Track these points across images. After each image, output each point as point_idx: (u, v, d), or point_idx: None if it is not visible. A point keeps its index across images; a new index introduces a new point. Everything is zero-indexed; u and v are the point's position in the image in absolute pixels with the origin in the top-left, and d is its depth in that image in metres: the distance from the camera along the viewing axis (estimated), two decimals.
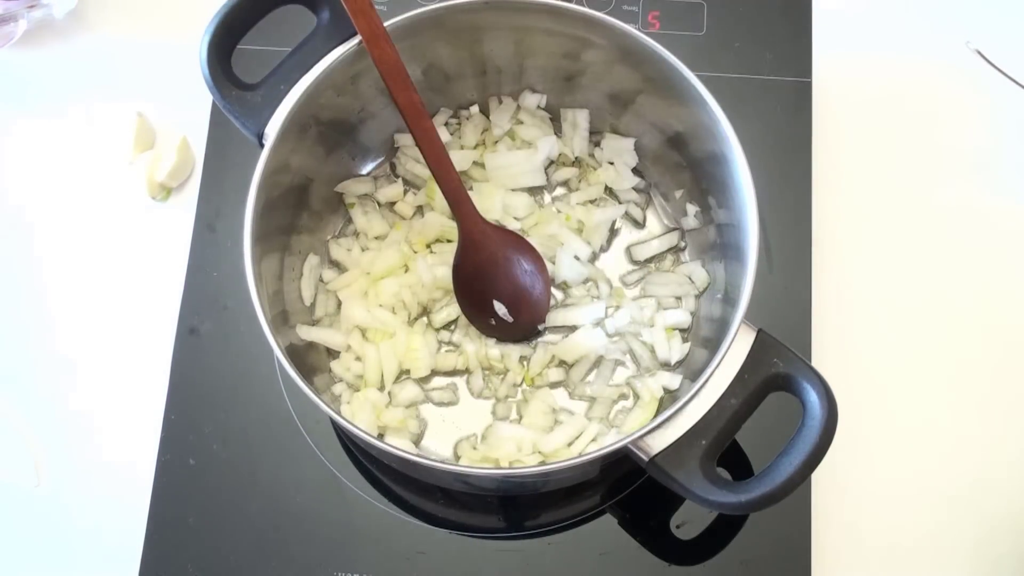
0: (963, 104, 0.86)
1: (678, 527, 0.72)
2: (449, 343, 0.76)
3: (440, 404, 0.74)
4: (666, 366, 0.74)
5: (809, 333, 0.76)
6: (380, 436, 0.72)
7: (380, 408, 0.73)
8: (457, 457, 0.73)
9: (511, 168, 0.78)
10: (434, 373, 0.75)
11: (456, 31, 0.72)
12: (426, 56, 0.74)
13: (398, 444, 0.70)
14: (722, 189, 0.70)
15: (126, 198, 0.83)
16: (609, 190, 0.80)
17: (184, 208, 0.81)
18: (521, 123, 0.80)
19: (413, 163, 0.79)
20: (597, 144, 0.80)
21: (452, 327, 0.76)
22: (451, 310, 0.76)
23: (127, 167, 0.84)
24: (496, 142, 0.80)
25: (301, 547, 0.72)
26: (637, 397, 0.74)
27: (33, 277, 0.81)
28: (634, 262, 0.78)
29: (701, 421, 0.61)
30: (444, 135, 0.76)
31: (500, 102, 0.80)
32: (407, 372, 0.74)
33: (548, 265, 0.76)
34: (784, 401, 0.63)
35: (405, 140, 0.79)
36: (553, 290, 0.76)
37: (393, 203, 0.79)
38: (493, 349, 0.75)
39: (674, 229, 0.79)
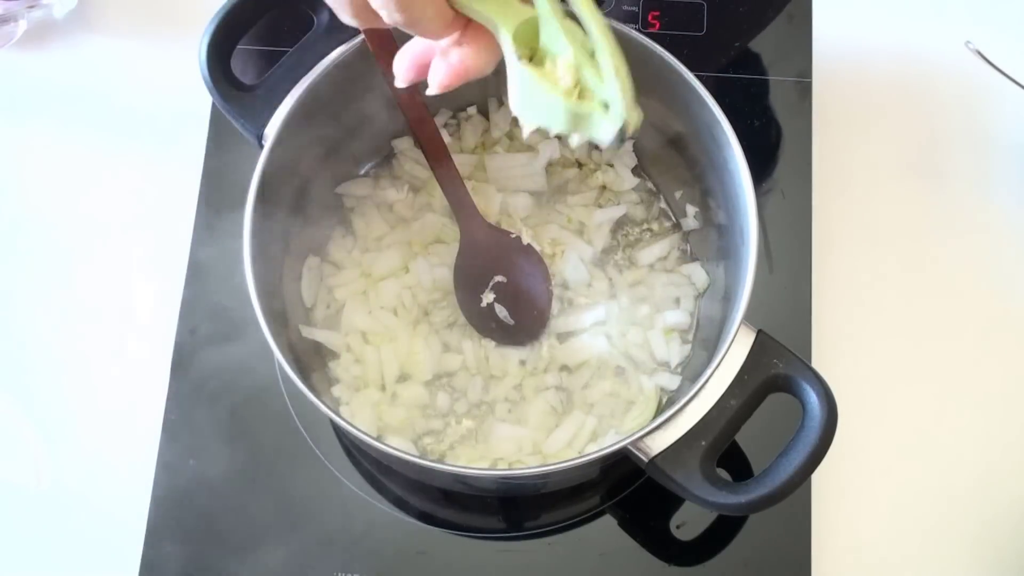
0: (963, 104, 0.86)
1: (678, 528, 0.72)
2: (449, 345, 0.75)
3: (440, 405, 0.74)
4: (666, 367, 0.75)
5: (809, 333, 0.76)
6: (380, 437, 0.72)
7: (380, 409, 0.73)
8: (456, 458, 0.73)
9: (512, 170, 0.78)
10: (435, 375, 0.74)
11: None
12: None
13: (398, 445, 0.70)
14: (722, 190, 0.70)
15: (124, 198, 0.83)
16: (609, 191, 0.80)
17: (184, 208, 0.81)
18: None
19: (413, 164, 0.79)
20: (596, 146, 0.80)
21: (452, 329, 0.76)
22: (451, 312, 0.76)
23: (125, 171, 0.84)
24: (495, 144, 0.80)
25: (301, 547, 0.72)
26: (637, 398, 0.74)
27: (32, 277, 0.81)
28: (634, 263, 0.78)
29: (701, 422, 0.61)
30: (444, 136, 0.76)
31: (500, 103, 0.80)
32: (408, 375, 0.74)
33: (549, 267, 0.76)
34: (784, 402, 0.63)
35: (403, 145, 0.79)
36: (554, 292, 0.76)
37: (393, 204, 0.79)
38: (494, 351, 0.75)
39: (674, 230, 0.79)
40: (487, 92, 0.79)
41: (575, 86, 0.48)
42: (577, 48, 0.48)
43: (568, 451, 0.72)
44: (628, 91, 0.47)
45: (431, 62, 0.52)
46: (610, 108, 0.47)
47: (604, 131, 0.48)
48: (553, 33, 0.48)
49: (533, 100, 0.50)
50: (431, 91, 0.52)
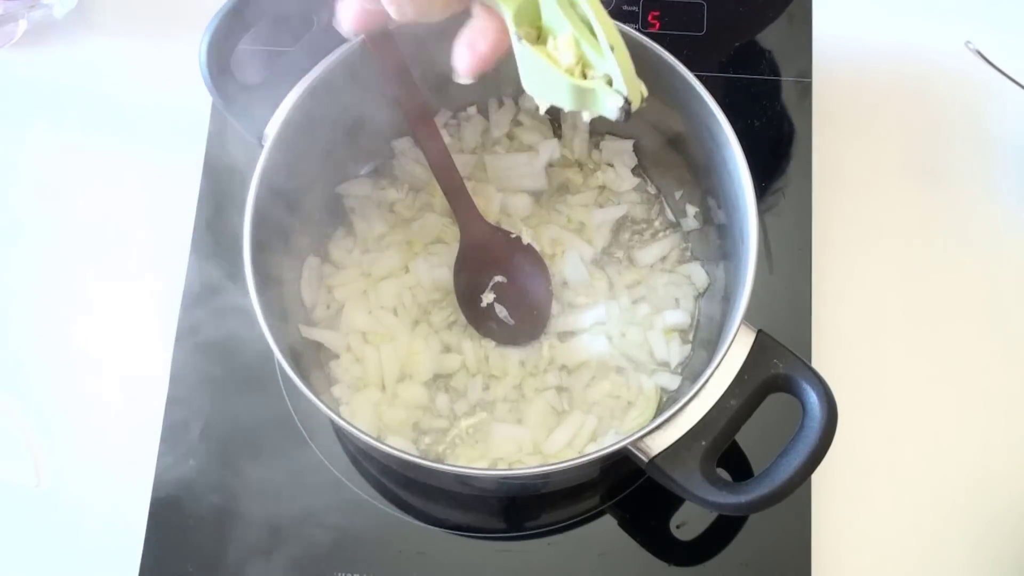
0: (963, 104, 0.86)
1: (678, 528, 0.72)
2: (449, 345, 0.75)
3: (440, 405, 0.74)
4: (666, 367, 0.75)
5: (809, 333, 0.76)
6: (380, 437, 0.72)
7: (380, 409, 0.73)
8: (456, 458, 0.72)
9: (512, 170, 0.78)
10: (435, 375, 0.74)
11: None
12: (425, 56, 0.74)
13: (398, 445, 0.70)
14: (722, 190, 0.70)
15: (124, 198, 0.83)
16: (609, 191, 0.80)
17: (184, 208, 0.81)
18: (520, 125, 0.80)
19: (413, 164, 0.79)
20: (596, 146, 0.80)
21: (452, 329, 0.76)
22: (451, 312, 0.76)
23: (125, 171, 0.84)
24: (495, 144, 0.80)
25: (301, 547, 0.72)
26: (637, 398, 0.74)
27: (32, 277, 0.81)
28: (634, 263, 0.78)
29: (701, 422, 0.61)
30: (444, 136, 0.76)
31: (500, 104, 0.80)
32: (408, 375, 0.74)
33: (549, 267, 0.76)
34: (784, 402, 0.63)
35: (402, 146, 0.79)
36: (554, 292, 0.76)
37: (393, 204, 0.79)
38: (493, 351, 0.75)
39: (674, 230, 0.79)
40: (487, 92, 0.79)
41: (577, 63, 0.49)
42: (576, 23, 0.48)
43: (568, 451, 0.72)
44: (626, 64, 0.48)
45: (456, 48, 0.53)
46: (613, 83, 0.47)
47: (609, 106, 0.48)
48: (552, 10, 0.49)
49: (539, 78, 0.50)
50: (466, 70, 0.54)
